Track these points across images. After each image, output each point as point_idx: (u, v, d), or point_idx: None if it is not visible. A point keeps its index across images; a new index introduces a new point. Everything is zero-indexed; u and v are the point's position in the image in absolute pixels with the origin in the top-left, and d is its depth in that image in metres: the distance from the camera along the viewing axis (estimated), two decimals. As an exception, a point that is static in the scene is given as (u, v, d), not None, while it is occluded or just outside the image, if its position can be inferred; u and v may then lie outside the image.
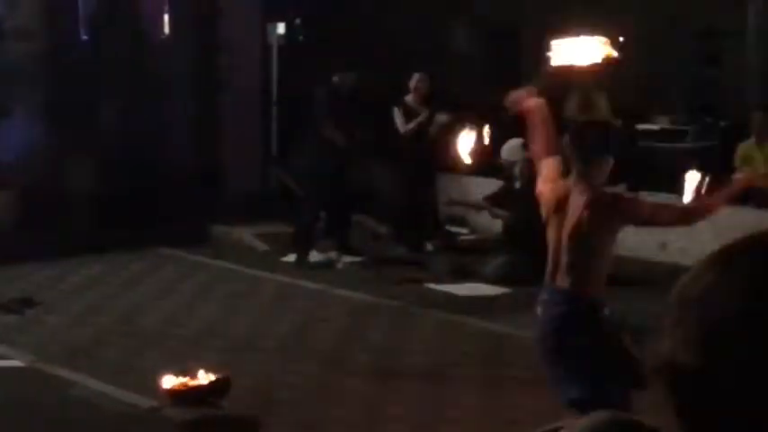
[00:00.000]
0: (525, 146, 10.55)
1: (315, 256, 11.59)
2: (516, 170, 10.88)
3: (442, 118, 11.67)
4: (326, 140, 11.39)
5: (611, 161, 5.51)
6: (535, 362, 7.97)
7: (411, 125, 11.69)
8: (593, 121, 6.04)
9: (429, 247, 11.95)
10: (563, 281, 5.47)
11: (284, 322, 9.37)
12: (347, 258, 11.55)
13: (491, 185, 13.03)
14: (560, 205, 5.48)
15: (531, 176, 10.50)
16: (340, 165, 11.58)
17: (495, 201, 11.33)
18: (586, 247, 5.41)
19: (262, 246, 12.27)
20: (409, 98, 11.84)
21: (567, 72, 6.10)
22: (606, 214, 5.41)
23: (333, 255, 11.60)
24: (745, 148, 11.57)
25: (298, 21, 13.75)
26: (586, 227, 5.37)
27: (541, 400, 6.39)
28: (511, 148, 10.90)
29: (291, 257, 11.64)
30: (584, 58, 5.95)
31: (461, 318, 9.51)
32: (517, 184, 10.87)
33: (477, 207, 11.49)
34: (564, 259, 5.46)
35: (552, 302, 5.54)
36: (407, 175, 11.96)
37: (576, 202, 5.42)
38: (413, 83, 11.79)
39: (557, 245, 5.50)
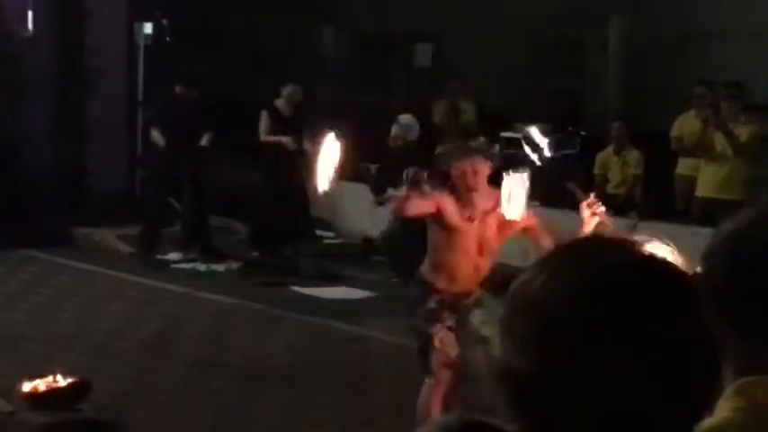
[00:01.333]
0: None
1: (175, 257, 11.60)
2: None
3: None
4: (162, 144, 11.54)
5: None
6: (399, 365, 8.09)
7: (272, 138, 11.71)
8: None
9: (290, 250, 11.96)
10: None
11: (148, 325, 9.27)
12: (212, 261, 11.52)
13: (356, 190, 13.13)
14: None
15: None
16: (183, 167, 11.55)
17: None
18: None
19: (125, 248, 12.11)
20: (280, 103, 11.86)
21: None
22: None
23: (194, 257, 11.58)
24: (603, 156, 11.90)
25: (165, 21, 13.61)
26: None
27: (405, 404, 6.47)
28: (410, 123, 10.86)
29: (171, 257, 11.64)
30: None
31: (326, 321, 9.54)
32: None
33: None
34: None
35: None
36: (269, 178, 11.94)
37: None
38: (286, 93, 11.84)
39: None
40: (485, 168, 6.17)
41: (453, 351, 5.97)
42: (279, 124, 11.75)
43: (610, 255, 1.30)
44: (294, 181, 11.86)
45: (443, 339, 5.99)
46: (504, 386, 1.29)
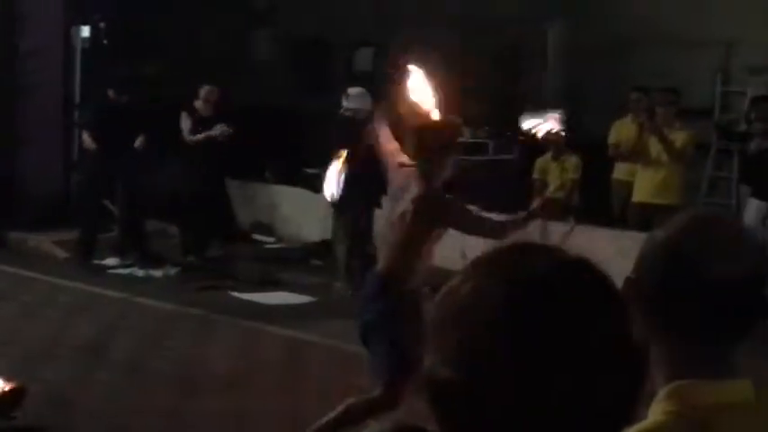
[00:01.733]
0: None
1: (112, 262, 11.52)
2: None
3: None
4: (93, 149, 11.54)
5: (452, 159, 5.87)
6: (337, 370, 8.08)
7: (200, 136, 11.68)
8: (435, 121, 6.23)
9: (216, 252, 11.93)
10: (379, 264, 5.82)
11: (84, 331, 9.17)
12: (150, 266, 11.44)
13: (296, 195, 13.11)
14: (400, 191, 5.82)
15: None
16: (116, 171, 11.50)
17: None
18: (404, 236, 5.71)
19: (61, 253, 11.99)
20: (199, 104, 11.84)
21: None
22: (429, 213, 5.69)
23: (132, 262, 11.50)
24: (542, 161, 11.98)
25: (102, 24, 13.51)
26: (409, 219, 5.67)
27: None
28: (360, 95, 10.86)
29: (109, 262, 11.53)
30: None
31: (265, 326, 9.50)
32: None
33: None
34: (386, 243, 5.83)
35: (368, 284, 5.86)
36: (193, 180, 11.90)
37: (410, 194, 5.71)
38: (202, 94, 11.83)
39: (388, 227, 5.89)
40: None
41: None
42: (198, 124, 11.76)
43: (539, 259, 1.29)
44: (212, 181, 11.88)
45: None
46: (430, 393, 1.28)
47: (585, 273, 1.30)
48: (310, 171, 13.27)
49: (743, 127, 12.25)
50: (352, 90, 10.94)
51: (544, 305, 1.24)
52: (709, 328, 1.80)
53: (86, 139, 11.61)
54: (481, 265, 1.31)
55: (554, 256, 1.30)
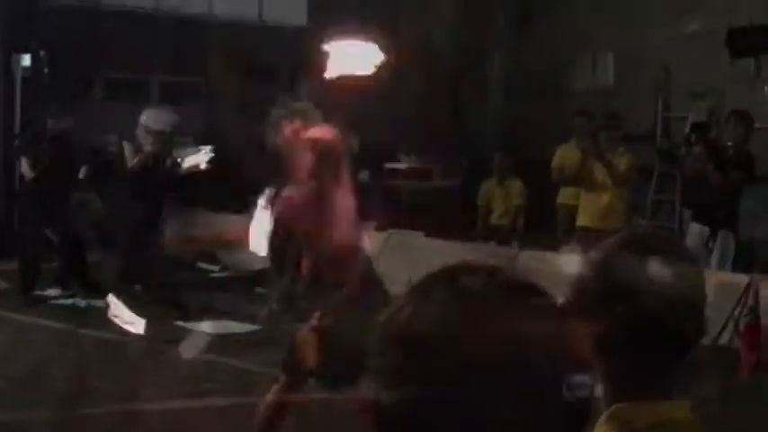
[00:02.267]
0: None
1: (54, 292, 11.38)
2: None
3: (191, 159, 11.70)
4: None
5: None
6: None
7: (135, 162, 11.60)
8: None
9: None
10: None
11: (24, 362, 9.02)
12: (92, 296, 11.32)
13: (241, 222, 13.00)
14: None
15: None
16: (55, 201, 11.42)
17: None
18: None
19: (1, 283, 11.83)
20: (140, 132, 11.74)
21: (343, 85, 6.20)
22: None
23: (73, 292, 11.38)
24: (486, 186, 12.04)
25: (43, 53, 13.40)
26: None
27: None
28: (163, 115, 10.90)
29: (50, 292, 11.40)
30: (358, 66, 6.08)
31: (209, 355, 9.40)
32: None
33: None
34: None
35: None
36: (132, 210, 11.81)
37: None
38: (142, 119, 11.72)
39: None
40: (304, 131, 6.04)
41: (312, 355, 5.76)
42: (141, 153, 11.69)
43: (480, 278, 1.28)
44: (152, 211, 11.83)
45: (305, 339, 5.79)
46: (374, 418, 1.25)
47: (527, 291, 1.28)
48: (254, 197, 13.21)
49: (683, 150, 12.38)
50: (158, 110, 10.99)
51: (485, 322, 1.22)
52: (644, 351, 1.79)
53: (24, 166, 11.48)
54: (422, 287, 1.29)
55: (495, 275, 1.29)
